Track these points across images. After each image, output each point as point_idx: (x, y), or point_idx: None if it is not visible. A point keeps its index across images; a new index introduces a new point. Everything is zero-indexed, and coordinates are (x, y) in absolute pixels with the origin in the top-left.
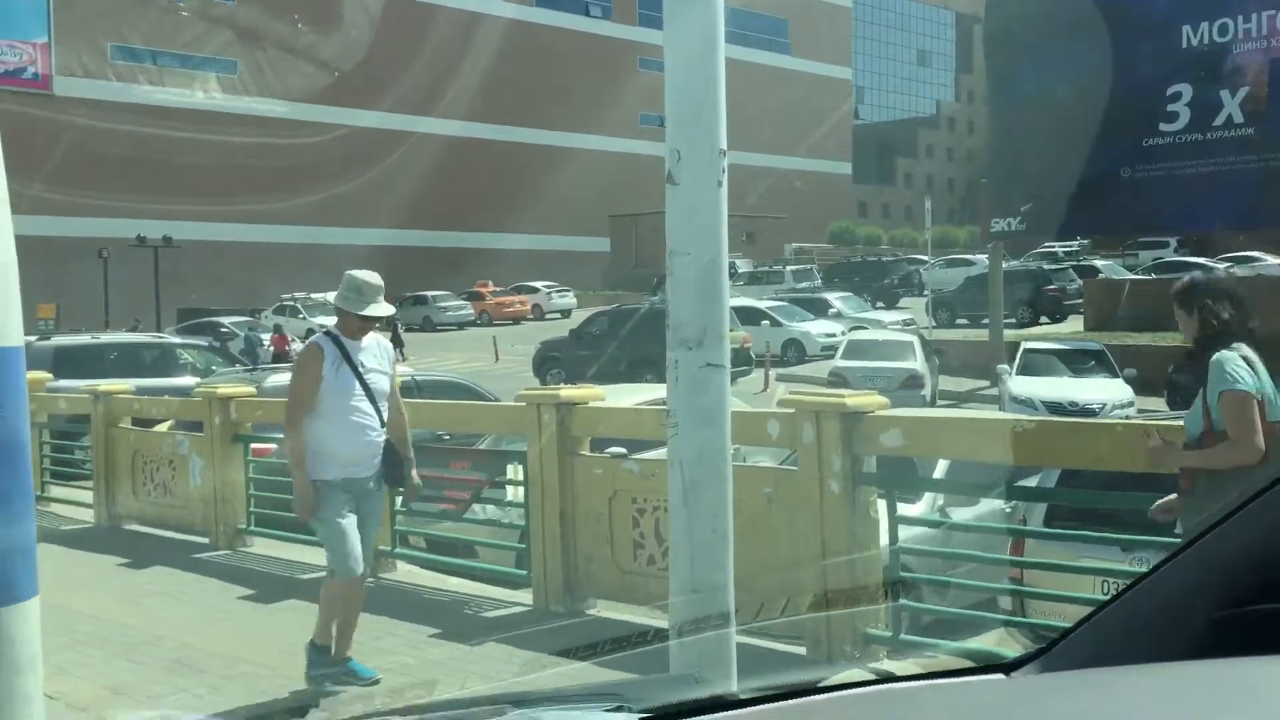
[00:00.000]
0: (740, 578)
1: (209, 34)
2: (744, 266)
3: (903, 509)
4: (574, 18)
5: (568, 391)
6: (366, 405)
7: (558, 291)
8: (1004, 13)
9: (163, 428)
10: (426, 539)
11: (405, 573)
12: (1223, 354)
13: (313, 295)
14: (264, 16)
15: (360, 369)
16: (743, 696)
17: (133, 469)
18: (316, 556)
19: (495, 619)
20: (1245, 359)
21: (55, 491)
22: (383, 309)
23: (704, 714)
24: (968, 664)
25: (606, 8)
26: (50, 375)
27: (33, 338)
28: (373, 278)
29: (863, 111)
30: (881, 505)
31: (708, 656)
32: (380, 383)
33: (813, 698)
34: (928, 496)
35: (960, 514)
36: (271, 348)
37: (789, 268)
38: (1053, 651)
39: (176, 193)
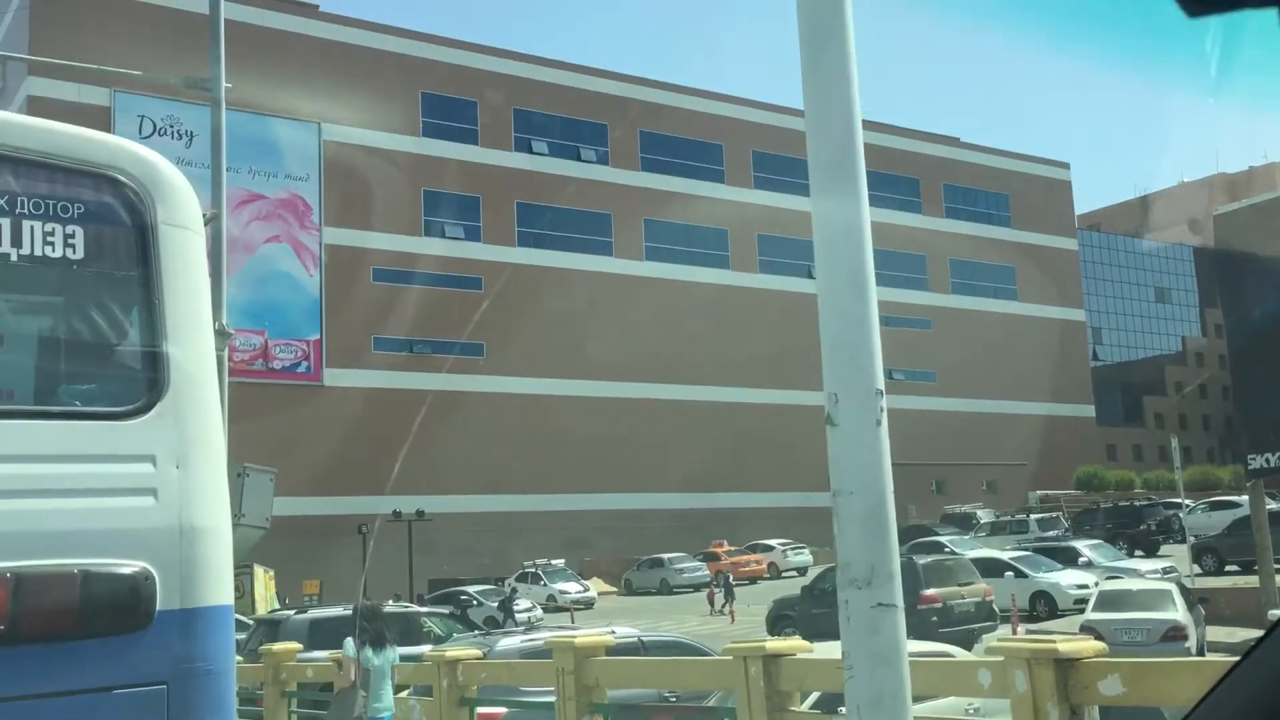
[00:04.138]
0: None
1: (458, 321)
2: (986, 516)
3: None
4: (796, 280)
5: (773, 644)
6: None
7: (793, 549)
8: (1233, 239)
9: (404, 694)
10: None
11: None
12: None
13: (552, 561)
14: (508, 305)
15: None
16: None
17: None
18: None
19: None
20: None
21: None
22: None
23: None
24: None
25: None
26: (300, 646)
27: (291, 611)
28: None
29: (1101, 352)
30: None
31: None
32: None
33: None
34: None
35: None
36: None
37: (1034, 516)
38: None
39: (430, 469)
